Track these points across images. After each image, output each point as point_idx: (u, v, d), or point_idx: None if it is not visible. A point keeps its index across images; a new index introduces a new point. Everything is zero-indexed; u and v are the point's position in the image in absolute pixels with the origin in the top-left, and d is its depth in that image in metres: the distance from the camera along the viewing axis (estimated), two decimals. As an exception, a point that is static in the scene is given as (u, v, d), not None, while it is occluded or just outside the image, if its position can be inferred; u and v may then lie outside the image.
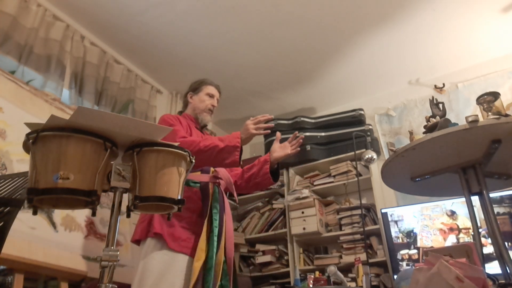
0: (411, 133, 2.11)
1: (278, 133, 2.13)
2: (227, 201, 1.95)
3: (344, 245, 3.19)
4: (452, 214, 2.78)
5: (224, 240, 1.81)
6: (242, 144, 1.78)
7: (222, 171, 2.01)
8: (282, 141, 2.09)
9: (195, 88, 2.19)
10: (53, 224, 2.08)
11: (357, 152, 3.26)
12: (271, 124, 1.90)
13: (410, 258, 2.80)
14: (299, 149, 2.13)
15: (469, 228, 2.65)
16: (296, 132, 2.16)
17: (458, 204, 2.77)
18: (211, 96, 2.18)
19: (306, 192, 3.37)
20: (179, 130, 1.88)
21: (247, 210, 3.74)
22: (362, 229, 3.07)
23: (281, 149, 2.10)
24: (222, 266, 1.73)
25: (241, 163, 1.80)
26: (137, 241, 1.81)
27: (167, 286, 1.63)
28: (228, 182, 1.99)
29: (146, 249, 1.72)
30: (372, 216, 3.23)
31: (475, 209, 1.80)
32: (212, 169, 1.98)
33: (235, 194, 2.03)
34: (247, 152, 4.18)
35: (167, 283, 1.63)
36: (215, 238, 1.76)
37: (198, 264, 1.67)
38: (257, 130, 1.82)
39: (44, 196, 0.96)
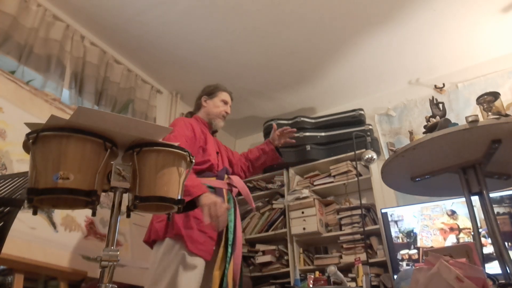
0: (411, 133, 2.11)
1: (274, 124, 2.32)
2: (238, 209, 1.99)
3: (344, 245, 3.19)
4: (452, 214, 2.78)
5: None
6: (200, 202, 1.66)
7: (237, 180, 2.05)
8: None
9: (210, 92, 2.21)
10: (53, 224, 2.08)
11: (357, 152, 3.26)
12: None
13: (410, 258, 2.79)
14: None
15: (469, 228, 2.65)
16: (288, 127, 2.31)
17: (458, 204, 2.77)
18: (225, 102, 2.20)
19: (306, 192, 3.36)
20: (176, 137, 1.83)
21: (247, 210, 3.74)
22: (362, 229, 3.07)
23: (280, 138, 2.29)
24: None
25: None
26: (153, 241, 1.79)
27: (182, 286, 1.63)
28: (245, 194, 2.03)
29: (164, 248, 1.72)
30: (372, 216, 3.23)
31: (475, 209, 1.80)
32: (226, 175, 2.01)
33: (253, 205, 2.11)
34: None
35: (183, 284, 1.64)
36: (230, 248, 1.79)
37: (218, 273, 1.71)
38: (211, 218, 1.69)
39: (44, 196, 0.96)
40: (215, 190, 1.89)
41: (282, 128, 2.30)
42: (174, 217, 1.74)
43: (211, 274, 1.75)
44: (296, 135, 3.68)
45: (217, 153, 2.08)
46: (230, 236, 1.82)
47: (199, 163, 1.93)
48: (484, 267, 1.56)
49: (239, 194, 2.08)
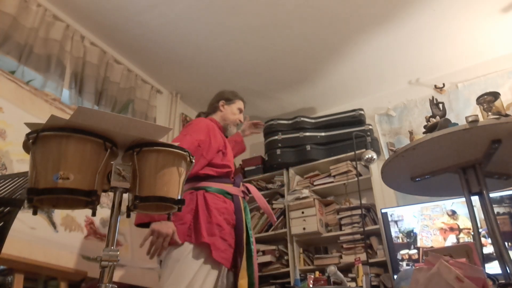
0: (411, 133, 2.11)
1: (247, 117, 2.42)
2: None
3: (344, 245, 3.19)
4: (453, 214, 2.78)
5: None
6: (153, 227, 1.64)
7: (254, 190, 2.11)
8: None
9: (229, 99, 2.23)
10: (53, 224, 2.07)
11: (357, 152, 3.26)
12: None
13: (410, 258, 2.79)
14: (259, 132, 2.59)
15: (469, 228, 2.65)
16: (254, 121, 2.44)
17: (458, 204, 2.77)
18: (240, 111, 2.24)
19: (306, 192, 3.36)
20: (188, 142, 1.82)
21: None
22: (362, 229, 3.07)
23: (250, 128, 2.43)
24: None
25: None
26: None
27: None
28: (265, 207, 2.12)
29: (184, 252, 1.70)
30: (372, 216, 3.23)
31: (475, 209, 1.80)
32: (241, 183, 2.05)
33: (274, 219, 2.28)
34: (247, 152, 4.17)
35: None
36: (252, 257, 1.83)
37: (243, 281, 1.73)
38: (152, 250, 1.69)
39: (44, 196, 0.96)
40: (233, 197, 1.92)
41: (256, 121, 2.43)
42: (198, 223, 1.74)
43: (230, 281, 1.79)
44: (296, 135, 3.70)
45: None
46: (252, 247, 1.85)
47: (219, 165, 1.94)
48: (484, 267, 1.56)
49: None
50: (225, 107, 2.20)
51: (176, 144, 1.16)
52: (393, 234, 2.91)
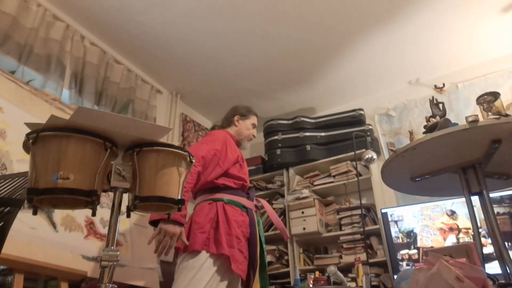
0: (411, 133, 2.11)
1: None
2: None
3: (344, 245, 3.19)
4: (452, 214, 2.78)
5: None
6: (164, 224, 1.64)
7: (266, 204, 2.19)
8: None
9: (244, 114, 2.27)
10: (53, 224, 2.07)
11: (357, 152, 3.26)
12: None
13: (410, 258, 2.79)
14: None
15: (469, 228, 2.65)
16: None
17: (458, 204, 2.77)
18: (254, 126, 2.28)
19: (306, 192, 3.37)
20: (203, 151, 1.86)
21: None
22: (362, 229, 3.07)
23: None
24: None
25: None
26: (194, 251, 1.77)
27: None
28: (277, 223, 2.15)
29: (201, 261, 1.72)
30: (372, 216, 3.23)
31: (475, 209, 1.80)
32: (254, 197, 2.10)
33: (287, 235, 2.22)
34: (247, 152, 4.18)
35: None
36: (265, 270, 1.92)
37: None
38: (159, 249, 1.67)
39: (44, 196, 0.96)
40: (247, 211, 1.96)
41: None
42: (218, 233, 1.77)
43: None
44: (296, 135, 3.71)
45: None
46: (265, 262, 1.91)
47: (236, 177, 1.99)
48: (484, 267, 1.56)
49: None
50: (240, 122, 2.25)
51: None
52: (393, 234, 2.91)
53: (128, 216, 1.08)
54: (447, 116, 1.88)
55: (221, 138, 2.03)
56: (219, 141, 1.99)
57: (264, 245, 1.98)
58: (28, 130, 1.01)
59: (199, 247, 1.74)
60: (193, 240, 1.78)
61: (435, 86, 3.63)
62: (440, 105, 1.94)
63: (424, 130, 1.88)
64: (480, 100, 1.75)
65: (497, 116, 1.58)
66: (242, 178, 2.02)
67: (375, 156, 3.12)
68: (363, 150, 3.28)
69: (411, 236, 2.85)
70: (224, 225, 1.80)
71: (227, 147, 2.00)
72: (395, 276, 2.79)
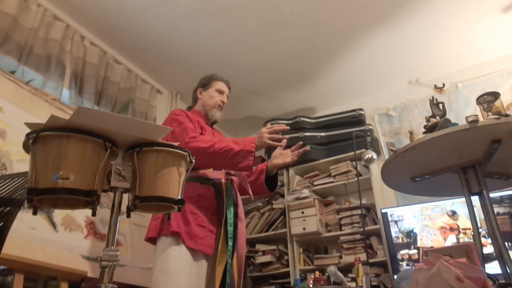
0: (411, 133, 2.11)
1: (284, 140, 1.89)
2: (239, 198, 1.94)
3: (344, 245, 3.19)
4: (453, 214, 2.78)
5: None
6: (256, 150, 1.73)
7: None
8: (285, 148, 2.02)
9: (205, 84, 2.17)
10: (53, 224, 2.07)
11: (357, 152, 3.26)
12: (285, 137, 1.84)
13: (410, 258, 2.79)
14: (296, 158, 2.00)
15: (469, 228, 2.65)
16: (301, 142, 2.05)
17: (458, 204, 2.77)
18: (220, 92, 2.14)
19: (306, 192, 3.36)
20: (188, 127, 1.84)
21: (247, 210, 3.74)
22: (362, 229, 3.07)
23: (282, 157, 2.00)
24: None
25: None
26: (150, 239, 1.78)
27: (185, 283, 1.62)
28: (242, 179, 1.97)
29: (162, 246, 1.70)
30: (372, 216, 3.23)
31: (475, 209, 1.80)
32: None
33: (250, 192, 1.99)
34: (247, 152, 4.18)
35: (186, 280, 1.63)
36: (230, 241, 1.74)
37: (220, 267, 1.67)
38: (271, 140, 1.77)
39: (44, 196, 0.96)
40: (214, 182, 1.85)
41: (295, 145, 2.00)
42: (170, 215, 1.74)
43: (215, 269, 1.73)
44: (296, 135, 3.70)
45: None
46: (230, 229, 1.76)
47: None
48: (484, 267, 1.56)
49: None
50: (202, 94, 2.15)
51: (176, 144, 1.15)
52: (393, 234, 2.91)
53: (128, 216, 1.08)
54: (447, 116, 1.88)
55: (173, 118, 1.91)
56: (175, 119, 1.88)
57: (230, 215, 1.80)
58: (28, 130, 1.01)
59: (157, 233, 1.72)
60: (150, 230, 1.78)
61: (435, 86, 3.63)
62: (440, 105, 1.94)
63: (424, 130, 1.88)
64: (480, 100, 1.75)
65: (497, 116, 1.58)
66: None
67: (375, 156, 3.12)
68: (363, 150, 3.28)
69: (411, 236, 2.85)
70: None
71: (180, 120, 1.88)
72: (395, 276, 2.79)
